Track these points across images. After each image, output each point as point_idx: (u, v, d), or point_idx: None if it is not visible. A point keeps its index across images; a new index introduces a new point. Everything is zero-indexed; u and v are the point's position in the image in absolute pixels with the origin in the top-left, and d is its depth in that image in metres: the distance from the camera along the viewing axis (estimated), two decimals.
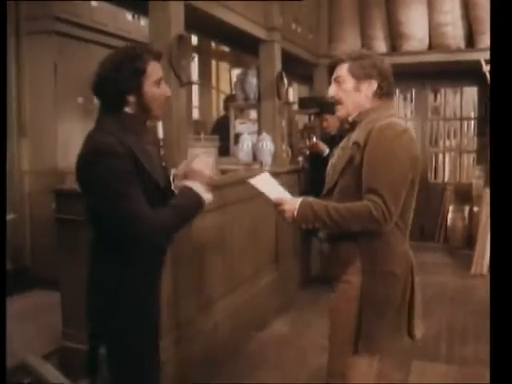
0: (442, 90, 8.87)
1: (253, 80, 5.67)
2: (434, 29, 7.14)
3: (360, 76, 2.51)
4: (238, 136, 5.68)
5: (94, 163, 2.02)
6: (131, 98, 2.15)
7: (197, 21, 4.67)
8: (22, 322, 4.03)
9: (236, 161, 5.42)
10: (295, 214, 2.38)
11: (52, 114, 5.28)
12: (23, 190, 5.29)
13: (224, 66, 9.35)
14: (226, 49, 8.50)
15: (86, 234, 3.55)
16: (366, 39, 7.45)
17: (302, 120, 7.50)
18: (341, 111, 2.57)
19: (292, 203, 2.41)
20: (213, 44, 8.72)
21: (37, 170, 5.30)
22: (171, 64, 3.68)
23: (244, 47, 6.22)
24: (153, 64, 2.19)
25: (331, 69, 2.61)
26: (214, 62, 9.24)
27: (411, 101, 9.01)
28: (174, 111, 3.72)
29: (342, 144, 2.61)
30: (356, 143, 2.41)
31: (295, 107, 7.31)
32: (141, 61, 2.15)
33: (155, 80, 2.19)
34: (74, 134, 5.32)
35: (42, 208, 5.08)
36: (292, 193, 2.58)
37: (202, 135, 4.80)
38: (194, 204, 2.18)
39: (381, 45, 7.37)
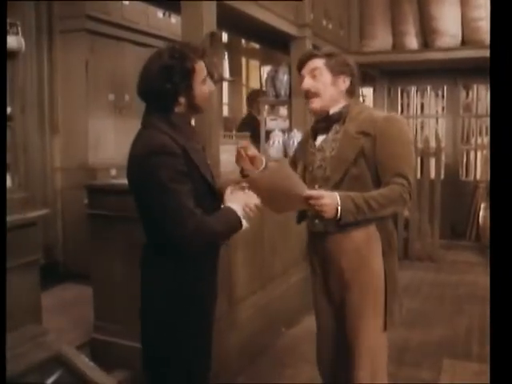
0: (474, 87, 8.74)
1: (284, 77, 5.64)
2: (467, 24, 7.04)
3: (336, 71, 2.54)
4: (268, 133, 5.67)
5: (151, 163, 2.02)
6: (182, 99, 2.15)
7: (227, 18, 4.67)
8: (55, 315, 4.08)
9: (267, 157, 5.40)
10: (339, 208, 2.28)
11: (83, 111, 5.33)
12: (55, 186, 5.36)
13: (254, 63, 9.35)
14: (256, 46, 8.48)
15: (118, 229, 3.64)
16: (397, 35, 7.38)
17: None
18: (316, 103, 2.58)
19: (332, 197, 2.27)
20: (243, 41, 8.73)
21: (68, 167, 5.37)
22: (204, 61, 3.69)
23: (274, 44, 6.20)
24: (199, 63, 2.22)
25: (301, 63, 2.62)
26: (244, 60, 9.26)
27: (443, 97, 8.90)
28: (206, 109, 3.72)
29: (330, 136, 2.60)
30: (363, 133, 2.46)
31: None
32: (189, 61, 2.16)
33: (203, 79, 2.23)
34: (104, 131, 5.39)
35: (73, 204, 5.16)
36: None
37: (234, 132, 4.81)
38: (234, 224, 2.20)
39: (412, 41, 7.30)
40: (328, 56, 2.56)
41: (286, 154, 5.35)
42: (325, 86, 2.54)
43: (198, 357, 2.28)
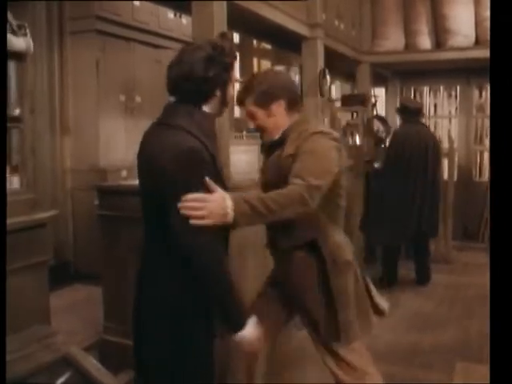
0: (488, 87, 8.67)
1: (295, 77, 5.63)
2: (480, 23, 6.97)
3: (266, 103, 2.54)
4: None
5: (181, 167, 1.97)
6: (218, 92, 2.13)
7: (238, 19, 4.67)
8: (65, 315, 4.09)
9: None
10: (229, 211, 2.07)
11: (94, 112, 5.34)
12: (66, 187, 5.38)
13: (266, 63, 9.31)
14: (268, 46, 8.45)
15: (127, 230, 3.63)
16: (410, 35, 7.33)
17: (344, 117, 7.43)
18: (265, 137, 2.63)
19: (218, 198, 2.05)
20: (254, 42, 8.70)
21: (79, 168, 5.38)
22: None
23: (286, 44, 6.18)
24: (235, 61, 2.25)
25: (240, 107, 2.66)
26: (255, 60, 9.22)
27: (456, 98, 8.84)
28: None
29: (270, 159, 2.63)
30: (291, 155, 2.46)
31: (338, 104, 7.25)
32: (230, 56, 2.21)
33: (233, 78, 2.24)
34: (115, 132, 5.39)
35: (84, 205, 5.16)
36: None
37: (244, 133, 4.79)
38: None
39: (425, 40, 7.24)
40: (256, 89, 2.54)
41: None
42: (263, 121, 2.56)
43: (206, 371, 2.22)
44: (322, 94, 5.48)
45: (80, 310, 4.34)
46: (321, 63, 5.50)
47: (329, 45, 5.79)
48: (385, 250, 6.29)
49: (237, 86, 8.57)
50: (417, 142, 5.90)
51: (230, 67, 2.18)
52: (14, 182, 2.63)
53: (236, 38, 8.01)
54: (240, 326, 2.08)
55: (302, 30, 5.27)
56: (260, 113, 2.55)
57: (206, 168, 2.03)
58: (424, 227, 5.93)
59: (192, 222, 1.96)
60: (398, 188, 5.87)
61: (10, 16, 2.54)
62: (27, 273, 2.59)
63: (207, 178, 2.02)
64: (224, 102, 2.19)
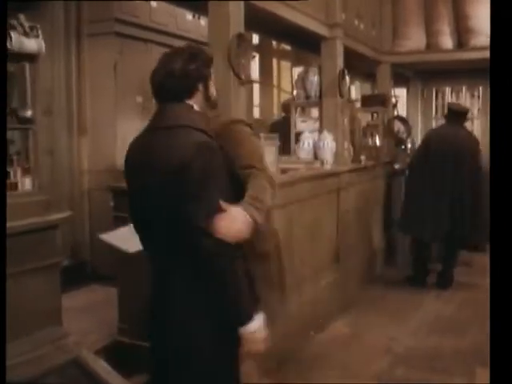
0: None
1: (314, 78, 5.59)
2: None
3: None
4: (299, 134, 5.61)
5: (203, 161, 1.99)
6: (200, 86, 2.18)
7: (257, 19, 4.64)
8: (81, 316, 4.08)
9: (297, 159, 5.36)
10: (248, 222, 2.08)
11: (111, 113, 5.33)
12: (83, 188, 5.38)
13: (285, 64, 9.27)
14: (288, 47, 8.42)
15: None
16: (431, 35, 7.22)
17: (364, 118, 7.36)
18: None
19: (239, 213, 2.05)
20: (274, 42, 8.67)
21: (96, 168, 5.36)
22: (230, 63, 3.66)
23: (306, 45, 6.14)
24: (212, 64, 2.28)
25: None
26: (275, 61, 9.20)
27: (478, 98, 8.71)
28: (233, 110, 3.70)
29: None
30: None
31: (358, 105, 7.18)
32: (207, 54, 2.26)
33: (213, 78, 2.27)
34: (132, 133, 5.33)
35: (100, 205, 5.12)
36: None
37: (262, 134, 4.76)
38: None
39: (447, 40, 7.13)
40: None
41: (316, 156, 5.29)
42: None
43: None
44: (341, 95, 5.42)
45: (96, 310, 4.32)
46: (340, 63, 5.44)
47: (348, 45, 5.73)
48: (417, 250, 6.22)
49: (256, 86, 8.66)
50: (453, 144, 5.83)
51: (210, 64, 2.23)
52: (26, 183, 2.62)
53: (255, 38, 8.01)
54: (248, 317, 2.05)
55: (321, 30, 5.22)
56: None
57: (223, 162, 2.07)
58: (456, 231, 5.83)
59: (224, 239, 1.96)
60: (429, 187, 5.82)
61: (22, 18, 2.53)
62: (39, 274, 2.58)
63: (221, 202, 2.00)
64: (208, 99, 2.22)
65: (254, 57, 7.90)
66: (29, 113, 2.65)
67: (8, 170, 2.56)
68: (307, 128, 5.67)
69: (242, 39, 3.79)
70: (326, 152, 5.20)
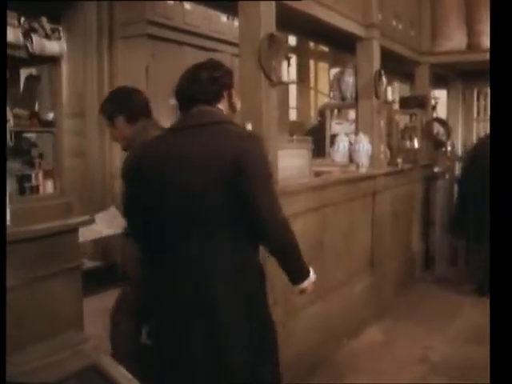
0: None
1: (349, 79, 5.51)
2: None
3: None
4: (334, 137, 5.53)
5: (263, 156, 2.28)
6: (225, 93, 2.41)
7: (291, 20, 4.59)
8: (106, 318, 4.08)
9: (331, 162, 5.28)
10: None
11: None
12: (114, 191, 5.37)
13: (323, 65, 9.19)
14: (325, 48, 8.33)
15: None
16: (473, 35, 7.02)
17: (403, 120, 7.22)
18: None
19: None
20: (311, 44, 8.59)
21: None
22: (261, 64, 3.62)
23: (342, 46, 6.04)
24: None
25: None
26: (312, 62, 9.12)
27: None
28: (263, 112, 3.66)
29: None
30: None
31: (396, 107, 7.04)
32: (228, 67, 2.50)
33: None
34: None
35: None
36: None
37: (294, 137, 4.70)
38: None
39: (489, 41, 6.94)
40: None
41: (351, 159, 5.20)
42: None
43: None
44: (377, 96, 5.32)
45: None
46: (376, 64, 5.34)
47: (386, 45, 5.61)
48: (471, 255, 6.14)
49: (293, 88, 8.60)
50: None
51: (232, 74, 2.47)
52: (47, 186, 2.61)
53: (292, 40, 7.96)
54: (306, 274, 2.45)
55: (357, 30, 5.13)
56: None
57: None
58: None
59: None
60: (481, 192, 5.68)
61: (44, 20, 2.53)
62: (60, 278, 2.56)
63: None
64: (231, 107, 2.45)
65: (290, 58, 7.82)
66: (50, 115, 2.64)
67: (30, 173, 2.58)
68: (342, 130, 5.58)
69: (273, 40, 3.73)
70: (361, 155, 5.11)
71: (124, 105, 2.96)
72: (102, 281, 4.69)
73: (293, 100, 8.57)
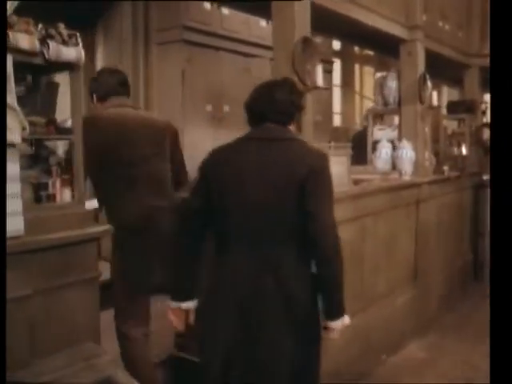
0: None
1: (392, 83, 5.31)
2: None
3: None
4: (376, 143, 5.34)
5: (328, 174, 2.32)
6: (296, 117, 2.52)
7: (332, 24, 4.48)
8: None
9: (373, 170, 5.10)
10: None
11: (179, 123, 5.25)
12: None
13: (368, 70, 9.00)
14: (370, 52, 8.15)
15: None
16: None
17: (451, 126, 6.97)
18: None
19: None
20: (356, 48, 8.43)
21: None
22: (294, 68, 3.51)
23: (386, 49, 5.86)
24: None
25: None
26: (357, 67, 8.94)
27: None
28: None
29: None
30: None
31: (443, 112, 6.80)
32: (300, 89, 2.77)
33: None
34: (201, 142, 5.29)
35: None
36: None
37: (332, 143, 4.55)
38: None
39: None
40: None
41: (394, 166, 5.01)
42: None
43: None
44: (421, 101, 5.11)
45: (155, 321, 4.25)
46: (421, 68, 5.14)
47: (431, 48, 5.40)
48: None
49: (338, 92, 8.44)
50: None
51: (303, 96, 2.67)
52: (65, 195, 2.55)
53: (337, 44, 7.82)
54: (341, 313, 2.33)
55: (400, 32, 4.95)
56: None
57: None
58: None
59: None
60: None
61: (61, 26, 2.47)
62: (77, 289, 2.53)
63: None
64: (298, 127, 2.71)
65: (333, 62, 7.71)
66: (69, 123, 2.58)
67: (47, 181, 2.53)
68: (385, 136, 5.38)
69: (307, 43, 3.62)
70: (404, 162, 4.93)
71: (95, 85, 3.17)
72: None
73: (337, 105, 8.40)
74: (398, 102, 5.27)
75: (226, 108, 5.62)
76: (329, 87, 8.04)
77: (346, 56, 8.37)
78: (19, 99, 2.31)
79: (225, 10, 5.52)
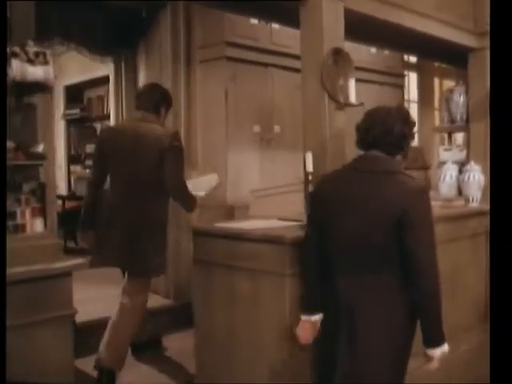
0: None
1: (460, 98, 4.80)
2: None
3: None
4: (441, 165, 4.82)
5: (428, 210, 2.42)
6: (406, 148, 2.59)
7: (382, 33, 4.12)
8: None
9: (436, 195, 4.57)
10: None
11: (223, 144, 5.04)
12: (189, 225, 5.03)
13: (448, 83, 8.36)
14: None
15: (220, 279, 3.17)
16: None
17: None
18: None
19: None
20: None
21: (206, 204, 4.94)
22: (323, 83, 3.17)
23: (455, 60, 5.33)
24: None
25: None
26: (437, 81, 8.34)
27: None
28: (327, 140, 3.20)
29: None
30: None
31: None
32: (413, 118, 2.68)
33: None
34: (247, 165, 4.99)
35: None
36: None
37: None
38: None
39: None
40: None
41: (460, 192, 4.47)
42: None
43: None
44: None
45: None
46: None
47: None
48: None
49: (414, 106, 7.87)
50: None
51: (414, 127, 2.63)
52: (36, 225, 2.31)
53: (413, 57, 7.36)
54: (440, 341, 2.44)
55: (465, 39, 4.49)
56: None
57: None
58: None
59: None
60: None
61: (29, 43, 2.24)
62: (48, 327, 2.31)
63: None
64: (405, 156, 2.62)
65: (404, 76, 7.20)
66: (40, 147, 2.34)
67: (15, 209, 2.33)
68: (451, 158, 4.84)
69: (339, 55, 3.23)
70: (471, 187, 4.43)
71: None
72: (177, 321, 4.50)
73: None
74: (466, 119, 4.78)
75: (277, 128, 5.34)
76: (362, 103, 7.56)
77: (422, 69, 7.81)
78: None
79: (275, 25, 5.26)
